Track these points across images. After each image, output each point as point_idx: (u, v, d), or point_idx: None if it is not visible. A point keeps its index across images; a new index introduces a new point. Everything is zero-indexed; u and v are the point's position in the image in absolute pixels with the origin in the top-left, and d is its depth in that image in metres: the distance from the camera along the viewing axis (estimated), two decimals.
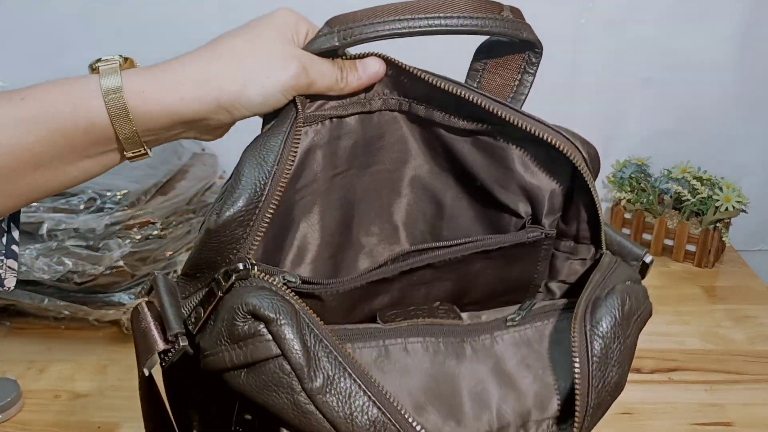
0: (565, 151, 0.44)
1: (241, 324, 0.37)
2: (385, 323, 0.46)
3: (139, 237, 0.92)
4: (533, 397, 0.43)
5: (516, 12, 0.46)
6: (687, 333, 0.98)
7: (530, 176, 0.49)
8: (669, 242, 1.17)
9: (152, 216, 0.93)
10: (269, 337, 0.37)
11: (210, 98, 0.42)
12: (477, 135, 0.48)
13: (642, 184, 1.18)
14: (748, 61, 1.18)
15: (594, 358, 0.39)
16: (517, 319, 0.46)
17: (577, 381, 0.39)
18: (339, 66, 0.45)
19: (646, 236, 1.19)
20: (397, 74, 0.46)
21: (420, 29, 0.43)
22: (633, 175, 1.19)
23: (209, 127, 0.44)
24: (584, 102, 1.22)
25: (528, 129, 0.44)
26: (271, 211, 0.40)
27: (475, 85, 0.50)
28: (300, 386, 0.37)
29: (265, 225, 0.40)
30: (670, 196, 1.17)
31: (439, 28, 0.43)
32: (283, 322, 0.37)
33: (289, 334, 0.37)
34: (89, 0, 1.15)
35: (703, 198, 1.12)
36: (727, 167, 1.19)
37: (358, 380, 0.38)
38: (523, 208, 0.50)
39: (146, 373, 0.41)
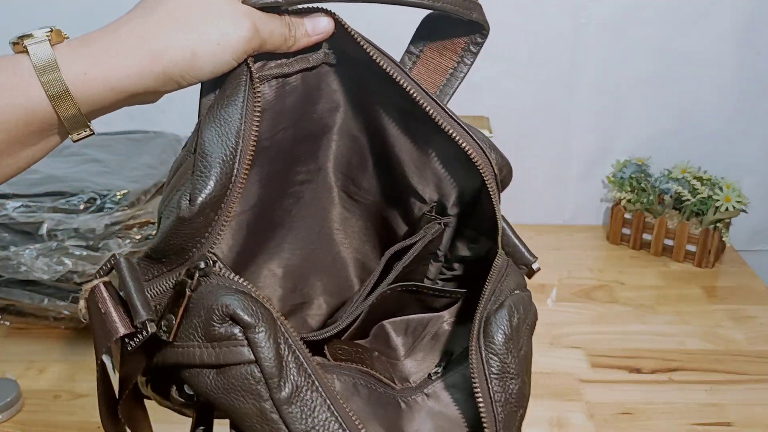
0: (476, 161, 0.44)
1: (218, 326, 0.37)
2: (333, 359, 0.46)
3: (139, 237, 0.92)
4: (465, 426, 0.45)
5: None
6: (687, 333, 0.98)
7: (446, 169, 0.49)
8: (669, 242, 1.17)
9: (152, 216, 0.93)
10: (245, 342, 0.37)
11: (157, 72, 0.39)
12: (408, 113, 0.48)
13: (642, 184, 1.18)
14: (748, 61, 1.18)
15: (492, 376, 0.40)
16: (440, 371, 0.48)
17: (479, 399, 0.40)
18: (287, 22, 0.43)
19: (646, 236, 1.19)
20: (341, 34, 0.45)
21: None
22: (633, 175, 1.19)
23: (155, 96, 0.42)
24: (584, 102, 1.22)
25: (447, 131, 0.44)
26: (240, 188, 0.39)
27: (416, 55, 0.50)
28: (268, 394, 0.37)
29: (234, 204, 0.39)
30: (671, 196, 1.17)
31: None
32: (260, 329, 0.37)
33: (264, 341, 0.37)
34: (89, 0, 1.15)
35: (703, 198, 1.12)
36: (727, 167, 1.19)
37: (324, 394, 0.38)
38: (429, 196, 0.51)
39: (105, 361, 0.40)
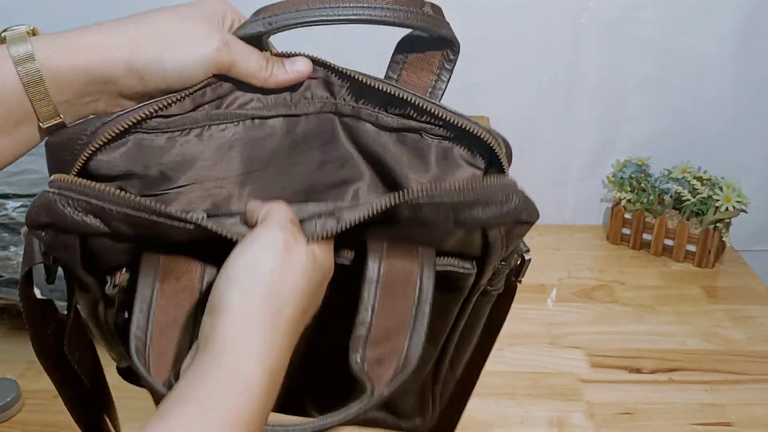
0: (489, 142, 0.47)
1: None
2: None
3: None
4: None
5: (436, 9, 0.47)
6: (687, 333, 0.98)
7: (445, 172, 0.51)
8: (669, 242, 1.17)
9: None
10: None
11: (122, 59, 0.41)
12: (402, 132, 0.49)
13: (642, 184, 1.18)
14: (747, 61, 1.18)
15: None
16: None
17: None
18: (265, 57, 0.45)
19: (646, 236, 1.19)
20: (327, 75, 0.48)
21: (345, 17, 0.45)
22: (633, 175, 1.19)
23: (121, 94, 0.43)
24: (584, 102, 1.22)
25: (457, 123, 0.46)
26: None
27: (394, 79, 0.52)
28: None
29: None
30: (671, 196, 1.17)
31: (363, 17, 0.45)
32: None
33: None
34: (89, 0, 1.15)
35: (703, 198, 1.12)
36: (727, 167, 1.19)
37: None
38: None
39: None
